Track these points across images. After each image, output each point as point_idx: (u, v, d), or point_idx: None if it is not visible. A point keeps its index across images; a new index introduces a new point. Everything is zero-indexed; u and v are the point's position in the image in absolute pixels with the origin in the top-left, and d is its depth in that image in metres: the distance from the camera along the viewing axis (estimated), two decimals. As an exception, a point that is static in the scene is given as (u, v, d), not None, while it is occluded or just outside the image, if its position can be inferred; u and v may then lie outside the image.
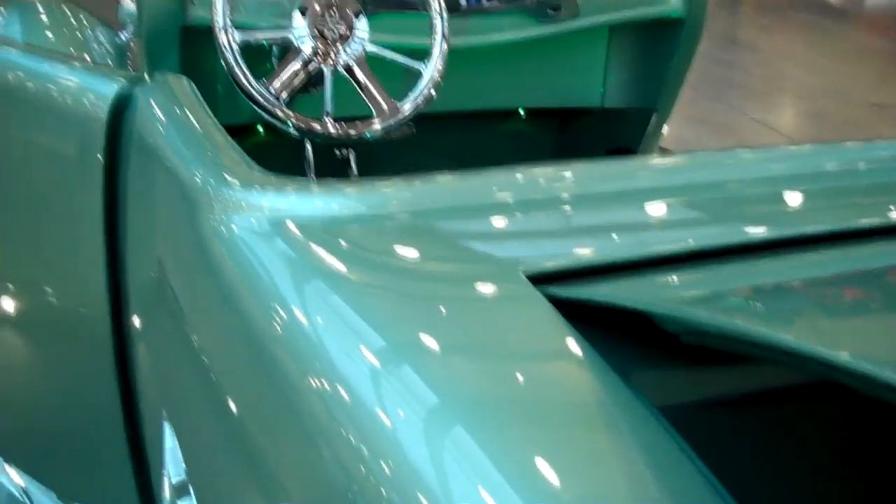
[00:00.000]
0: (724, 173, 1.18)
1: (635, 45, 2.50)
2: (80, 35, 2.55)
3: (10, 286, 1.88)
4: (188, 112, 1.39)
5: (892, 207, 1.16)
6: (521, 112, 2.66)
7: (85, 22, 2.62)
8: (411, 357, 0.82)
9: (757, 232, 1.05)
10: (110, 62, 2.48)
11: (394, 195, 1.04)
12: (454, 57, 2.10)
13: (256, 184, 1.08)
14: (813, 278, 1.00)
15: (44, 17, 2.61)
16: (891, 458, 0.83)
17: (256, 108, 1.79)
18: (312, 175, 2.28)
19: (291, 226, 0.99)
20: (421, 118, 2.00)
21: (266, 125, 2.02)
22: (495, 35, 2.27)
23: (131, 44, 2.46)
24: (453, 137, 2.64)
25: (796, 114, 5.96)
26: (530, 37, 2.30)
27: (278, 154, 2.22)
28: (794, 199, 1.16)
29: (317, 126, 1.83)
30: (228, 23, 1.78)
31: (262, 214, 1.01)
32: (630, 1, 2.36)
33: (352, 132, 1.85)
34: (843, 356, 0.72)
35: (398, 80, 1.96)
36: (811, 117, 5.74)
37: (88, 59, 2.49)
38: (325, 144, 1.93)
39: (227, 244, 1.01)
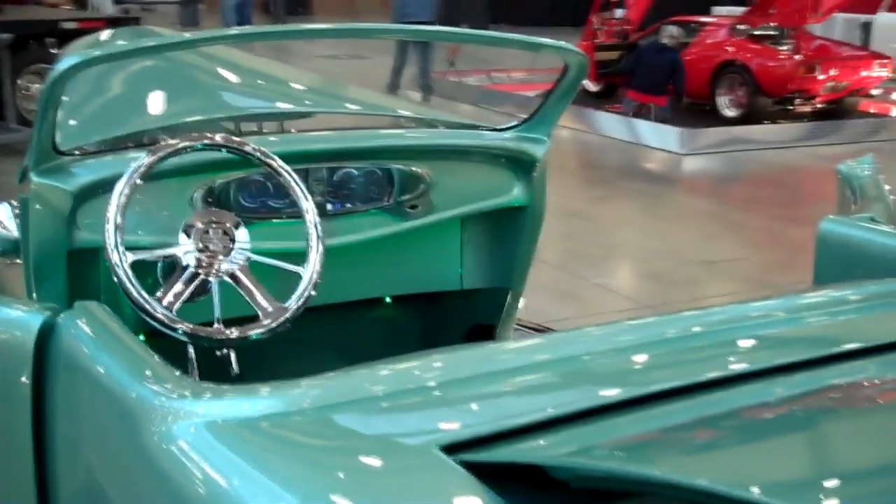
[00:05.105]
0: (576, 349, 1.39)
1: (487, 232, 2.75)
2: None
3: None
4: (114, 333, 1.54)
5: (729, 359, 1.38)
6: (388, 299, 2.86)
7: None
8: None
9: (613, 393, 1.26)
10: None
11: (306, 394, 1.21)
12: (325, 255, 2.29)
13: (189, 392, 1.23)
14: (666, 426, 1.20)
15: None
16: None
17: (153, 323, 1.92)
18: (196, 374, 2.41)
19: (226, 428, 1.14)
20: None
21: (147, 332, 2.15)
22: (360, 234, 2.48)
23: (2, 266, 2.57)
24: (326, 328, 2.81)
25: (634, 276, 6.37)
26: (392, 233, 2.54)
27: (162, 356, 2.34)
28: (640, 362, 1.37)
29: (210, 334, 1.97)
30: (119, 245, 1.93)
31: (199, 420, 1.16)
32: (478, 194, 2.62)
33: (241, 335, 2.00)
34: (701, 482, 0.92)
35: (278, 280, 2.13)
36: (648, 278, 6.15)
37: None
38: (216, 347, 2.07)
39: (170, 451, 1.15)
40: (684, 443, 1.16)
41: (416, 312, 2.93)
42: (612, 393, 1.24)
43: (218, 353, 2.33)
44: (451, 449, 1.08)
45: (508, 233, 2.70)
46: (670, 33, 10.65)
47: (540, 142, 2.59)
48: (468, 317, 2.85)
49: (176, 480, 1.14)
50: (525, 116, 2.60)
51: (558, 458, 1.07)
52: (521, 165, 2.60)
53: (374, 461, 1.11)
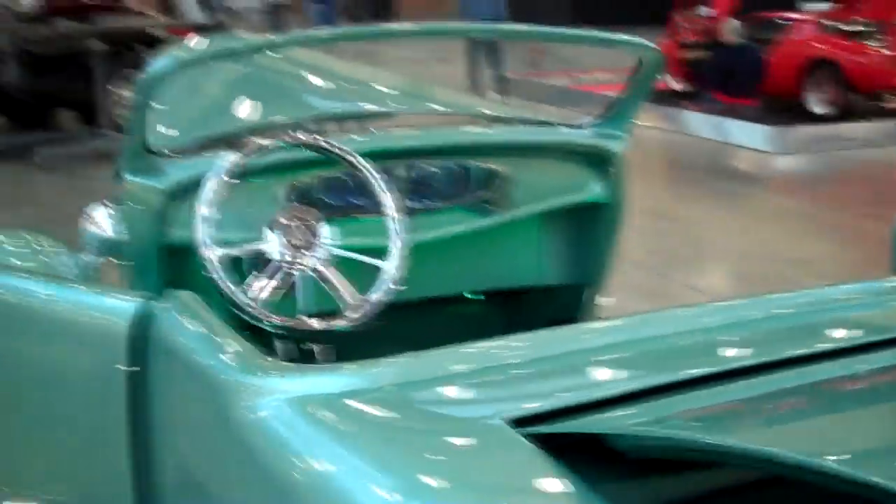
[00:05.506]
0: (652, 330, 1.41)
1: (566, 228, 2.76)
2: (44, 259, 2.76)
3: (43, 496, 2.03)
4: (206, 321, 1.61)
5: (807, 340, 1.40)
6: (467, 295, 2.89)
7: (47, 246, 2.83)
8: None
9: (686, 372, 1.28)
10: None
11: (386, 371, 1.26)
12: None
13: (275, 370, 1.29)
14: (741, 399, 1.23)
15: (7, 246, 2.82)
16: None
17: (242, 315, 1.99)
18: None
19: (310, 403, 1.20)
20: None
21: (234, 326, 2.23)
22: (440, 231, 2.52)
23: (100, 265, 2.67)
24: (404, 324, 2.85)
25: (724, 276, 6.30)
26: (471, 229, 2.56)
27: None
28: (715, 341, 1.39)
29: (295, 325, 2.03)
30: (209, 240, 2.01)
31: (285, 396, 1.22)
32: (556, 190, 2.63)
33: (325, 328, 2.06)
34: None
35: (360, 275, 2.18)
36: (739, 278, 6.08)
37: None
38: (300, 339, 2.13)
39: (257, 425, 1.22)
40: (755, 416, 1.18)
41: (495, 308, 2.95)
42: (681, 372, 1.27)
43: (301, 346, 2.38)
44: (524, 422, 1.12)
45: (588, 229, 2.71)
46: (733, 29, 10.50)
47: (617, 138, 2.59)
48: (546, 313, 2.86)
49: (263, 453, 1.20)
50: (602, 113, 2.61)
51: (628, 428, 1.11)
52: (599, 162, 2.60)
53: (452, 437, 1.16)
